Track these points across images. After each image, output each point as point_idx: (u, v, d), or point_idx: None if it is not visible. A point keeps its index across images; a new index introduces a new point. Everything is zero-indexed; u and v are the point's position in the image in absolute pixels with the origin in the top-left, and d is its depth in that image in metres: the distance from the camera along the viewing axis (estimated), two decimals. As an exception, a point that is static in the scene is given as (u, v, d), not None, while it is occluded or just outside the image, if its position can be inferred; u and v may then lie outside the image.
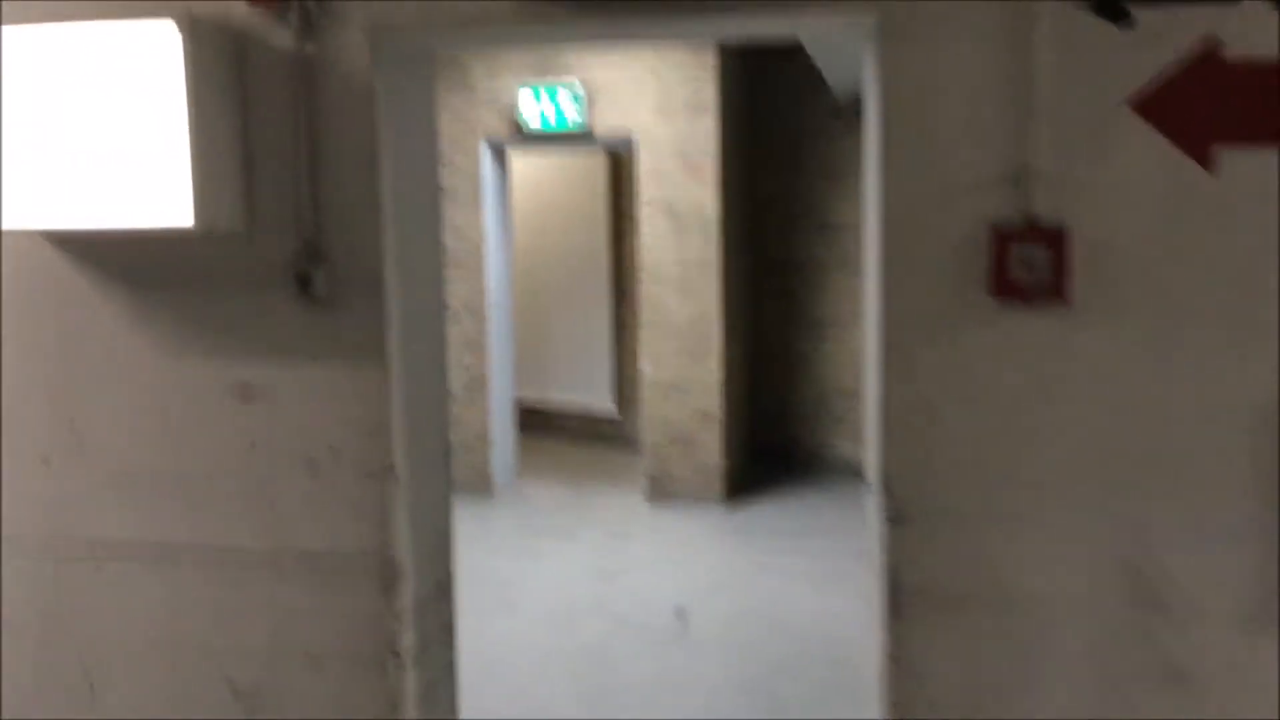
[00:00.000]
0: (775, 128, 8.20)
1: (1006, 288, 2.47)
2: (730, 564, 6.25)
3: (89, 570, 2.91)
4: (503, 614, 5.36)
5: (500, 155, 7.75)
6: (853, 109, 7.72)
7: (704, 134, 7.10)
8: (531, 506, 7.53)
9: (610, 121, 7.22)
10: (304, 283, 2.72)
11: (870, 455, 2.78)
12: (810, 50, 5.93)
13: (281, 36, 2.67)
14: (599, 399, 9.29)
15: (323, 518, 2.78)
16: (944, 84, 2.48)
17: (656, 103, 7.13)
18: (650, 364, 7.34)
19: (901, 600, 2.60)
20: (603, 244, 9.15)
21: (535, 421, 9.73)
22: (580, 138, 7.27)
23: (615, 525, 6.95)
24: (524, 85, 7.20)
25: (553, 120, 7.19)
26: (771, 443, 8.38)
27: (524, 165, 9.59)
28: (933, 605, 2.58)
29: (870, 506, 2.80)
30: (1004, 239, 2.46)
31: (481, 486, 7.62)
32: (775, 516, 7.08)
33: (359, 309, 2.74)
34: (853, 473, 8.01)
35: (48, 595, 2.94)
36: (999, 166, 2.47)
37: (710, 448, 7.32)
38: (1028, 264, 2.46)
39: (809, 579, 5.82)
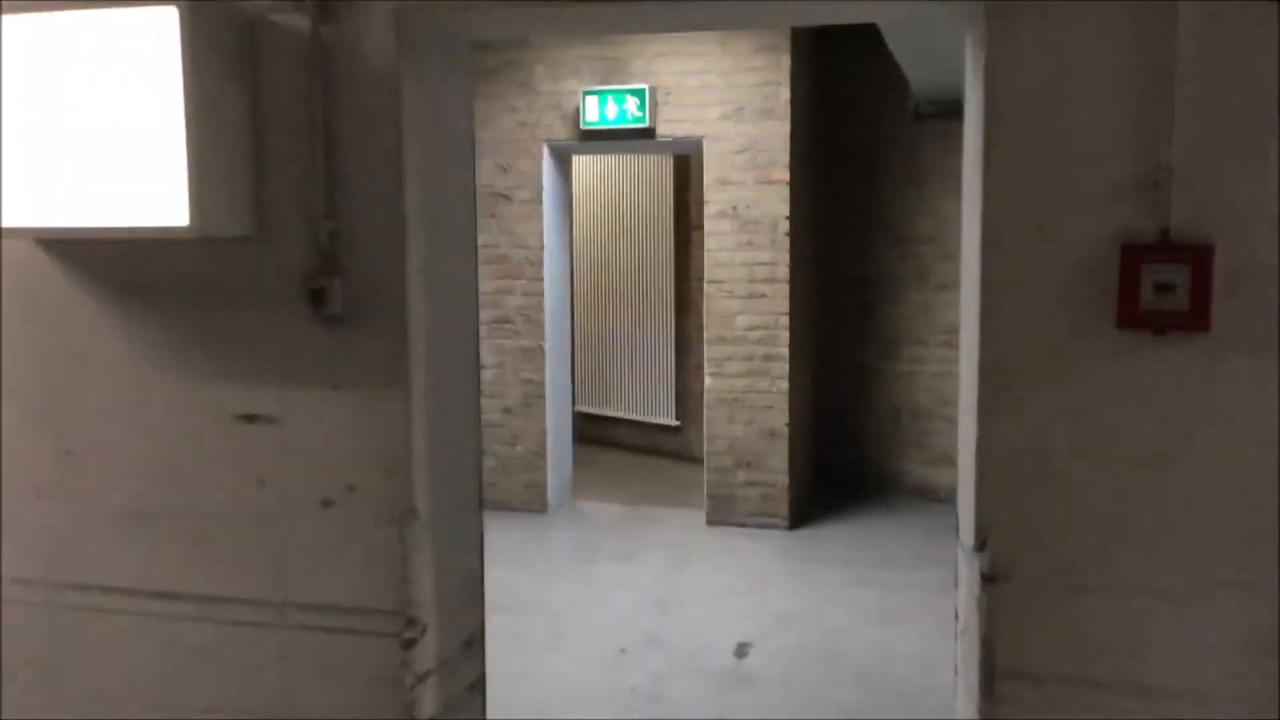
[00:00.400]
0: (851, 133, 7.78)
1: (1136, 315, 2.07)
2: (796, 595, 5.85)
3: (86, 619, 2.63)
4: (553, 649, 5.02)
5: (562, 160, 7.43)
6: (935, 113, 7.28)
7: (775, 138, 6.72)
8: (588, 526, 7.20)
9: (677, 124, 6.87)
10: (317, 298, 2.40)
11: (964, 505, 2.38)
12: (892, 46, 5.53)
13: (296, 18, 2.36)
14: (660, 412, 8.94)
15: (337, 566, 2.46)
16: (1065, 74, 2.08)
17: (725, 105, 6.77)
18: (714, 378, 6.96)
19: (995, 678, 2.20)
20: (667, 251, 8.80)
21: (594, 433, 9.41)
22: (644, 136, 6.93)
23: (675, 548, 6.58)
24: (590, 92, 6.88)
25: (614, 116, 6.86)
26: (840, 464, 7.95)
27: (586, 169, 9.29)
28: (1033, 689, 2.18)
29: (962, 564, 2.40)
30: (1135, 257, 2.06)
31: (536, 504, 7.31)
32: (843, 543, 6.66)
33: (380, 328, 2.41)
34: (924, 497, 7.55)
35: (42, 644, 2.66)
36: (1129, 172, 2.07)
37: (776, 468, 6.92)
38: (1162, 286, 2.05)
39: (879, 614, 5.40)
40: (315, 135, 2.38)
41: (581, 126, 6.95)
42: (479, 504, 2.73)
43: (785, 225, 6.75)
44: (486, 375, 7.32)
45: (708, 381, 6.99)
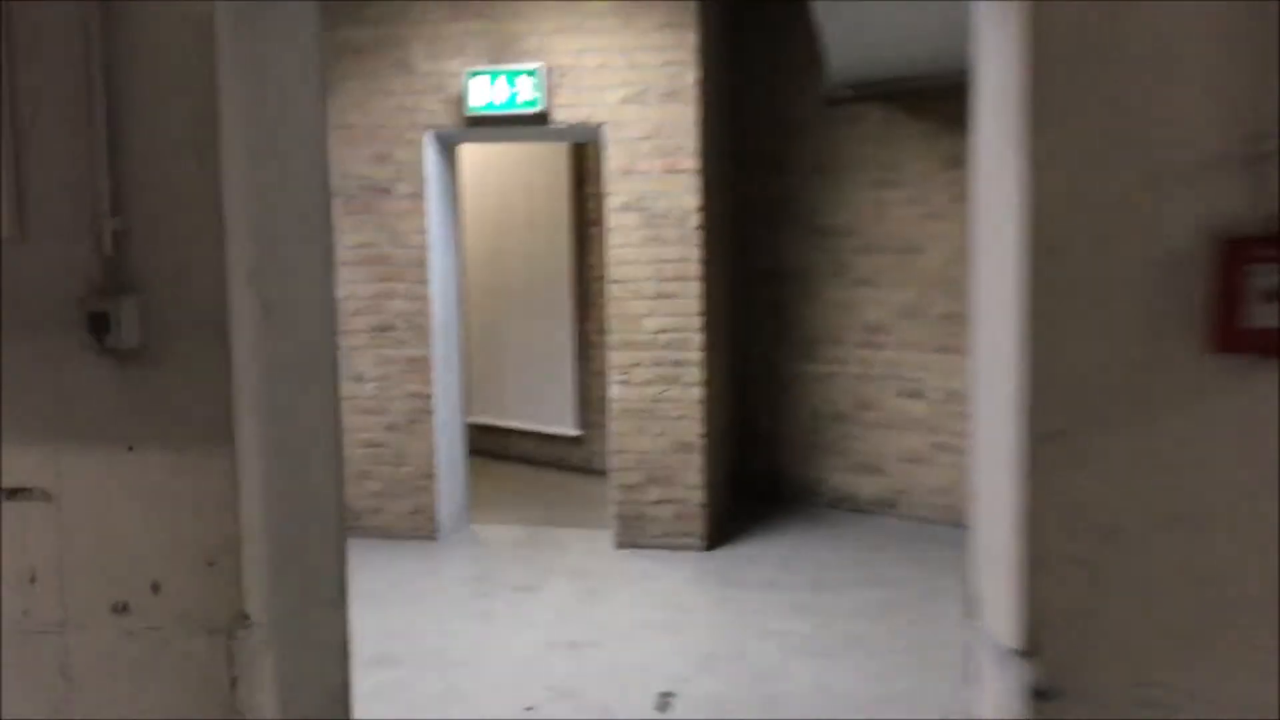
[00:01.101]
0: (760, 118, 7.25)
1: (1238, 334, 1.52)
2: (720, 629, 5.28)
3: None
4: (448, 708, 4.35)
5: (447, 149, 6.73)
6: (850, 96, 6.79)
7: (682, 123, 6.14)
8: (484, 553, 6.52)
9: (574, 109, 6.24)
10: (100, 324, 1.72)
11: (997, 590, 1.80)
12: (822, 14, 4.98)
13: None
14: (561, 422, 8.30)
15: (139, 693, 1.78)
16: (1144, 18, 1.51)
17: (628, 87, 6.16)
18: (620, 386, 6.36)
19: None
20: (565, 248, 8.16)
21: (490, 446, 8.73)
22: (537, 121, 6.28)
23: (583, 577, 5.96)
24: (476, 73, 6.20)
25: (504, 100, 6.20)
26: (756, 474, 7.43)
27: (475, 159, 8.60)
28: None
29: (991, 667, 1.82)
30: (1235, 256, 1.51)
31: (425, 529, 6.61)
32: (765, 563, 6.13)
33: (192, 365, 1.74)
34: (845, 507, 7.08)
35: None
36: (1223, 141, 1.51)
37: (690, 483, 6.35)
38: (1272, 295, 1.50)
39: (814, 648, 4.86)
40: (94, 102, 1.69)
41: (466, 111, 6.26)
42: (342, 593, 2.07)
43: (695, 218, 6.18)
44: (368, 390, 6.59)
45: (613, 390, 6.38)
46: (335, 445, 2.08)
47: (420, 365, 6.54)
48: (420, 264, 6.49)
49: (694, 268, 6.22)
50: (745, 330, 7.38)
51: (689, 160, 6.15)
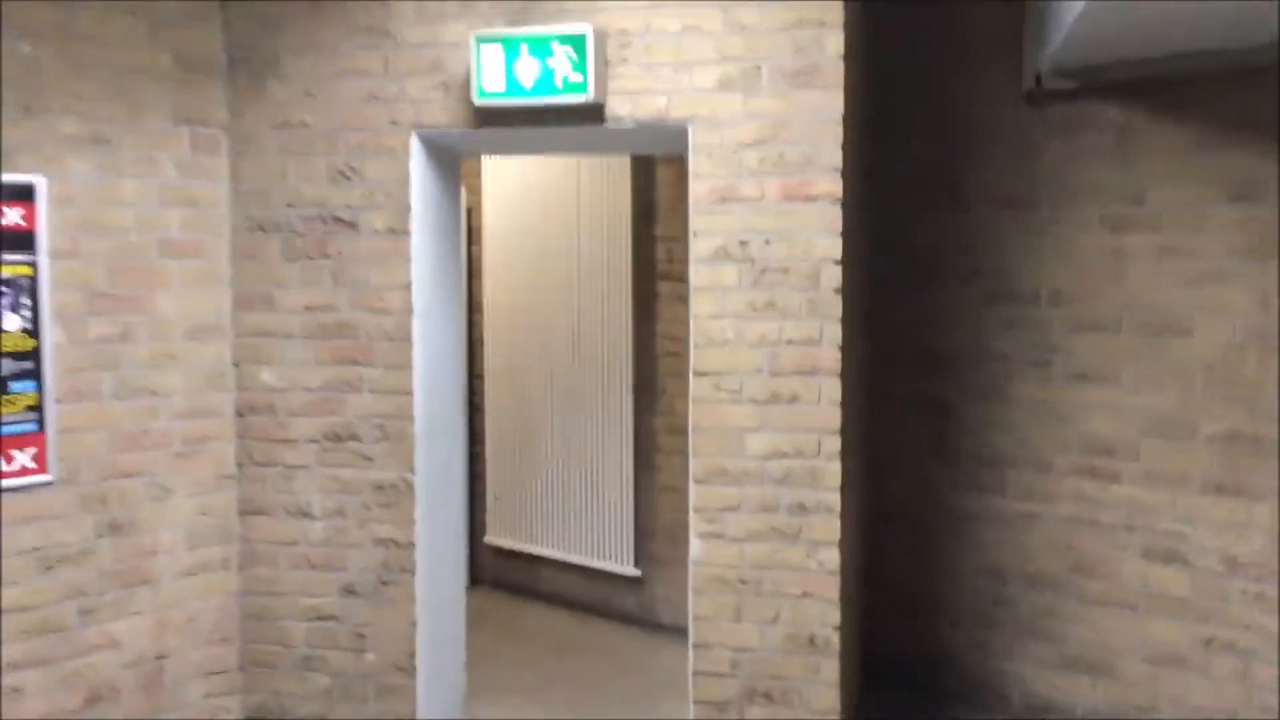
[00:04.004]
0: (925, 119, 4.86)
1: None
2: None
3: None
4: None
5: (446, 160, 4.44)
6: (1069, 90, 4.39)
7: (818, 121, 3.78)
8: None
9: (643, 98, 3.92)
10: None
11: None
12: None
13: None
14: (612, 555, 5.90)
15: None
16: None
17: (729, 64, 3.83)
18: (706, 540, 3.95)
19: None
20: (624, 313, 5.80)
21: (511, 578, 6.36)
22: (584, 117, 3.96)
23: None
24: (487, 39, 3.92)
25: (533, 83, 3.90)
26: (901, 660, 4.95)
27: (492, 178, 6.32)
28: None
29: None
30: None
31: (399, 750, 4.25)
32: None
33: None
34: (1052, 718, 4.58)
35: None
36: None
37: (818, 702, 3.91)
38: None
39: None
40: None
41: (476, 101, 3.97)
42: None
43: (834, 274, 3.80)
44: (316, 530, 4.27)
45: (695, 547, 3.98)
46: None
47: (396, 495, 4.21)
48: (400, 337, 4.17)
49: (829, 354, 3.83)
50: (885, 443, 4.95)
51: (826, 181, 3.78)
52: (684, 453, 5.53)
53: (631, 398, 5.75)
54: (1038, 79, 4.42)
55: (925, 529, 4.91)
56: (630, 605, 5.91)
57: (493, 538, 6.42)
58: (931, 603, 4.91)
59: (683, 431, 5.55)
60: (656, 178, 5.68)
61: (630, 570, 5.82)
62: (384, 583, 4.23)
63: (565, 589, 6.16)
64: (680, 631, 5.49)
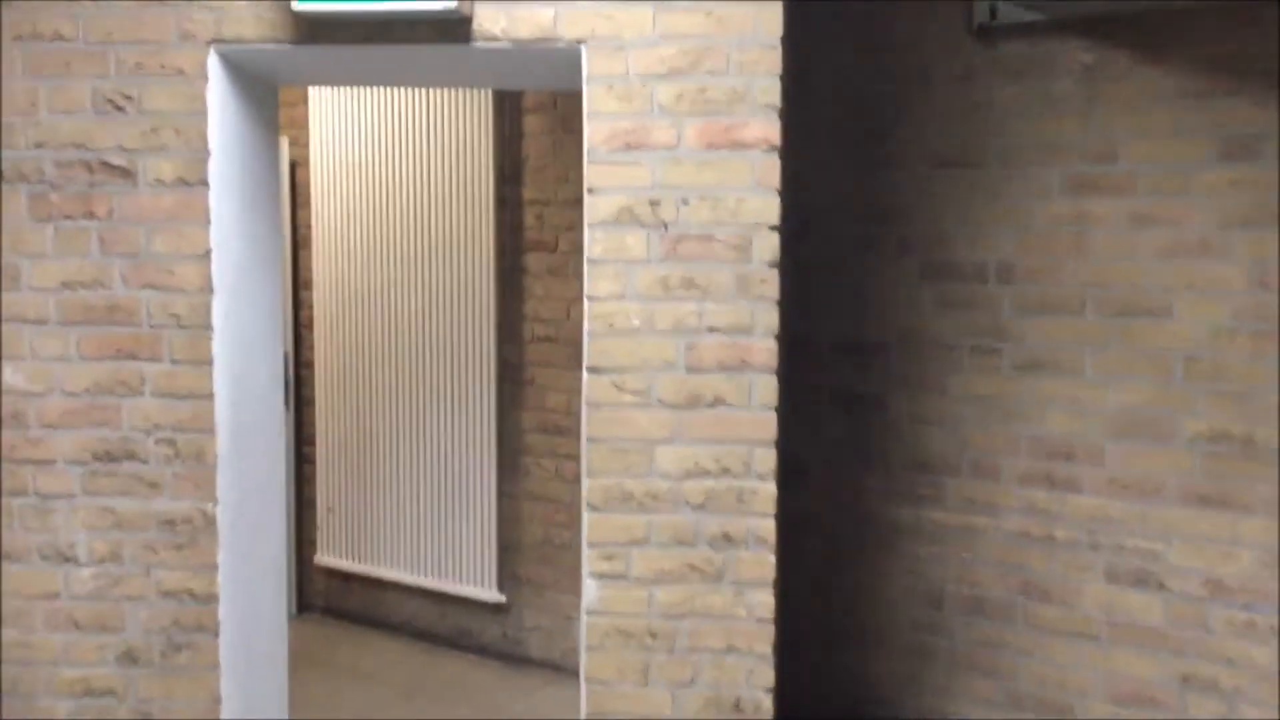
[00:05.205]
0: (853, 58, 4.09)
1: None
2: None
3: None
4: None
5: (257, 88, 3.41)
6: (1025, 19, 3.69)
7: (748, 41, 2.93)
8: None
9: (520, 9, 2.99)
10: None
11: None
12: None
13: None
14: (470, 577, 4.98)
15: None
16: None
17: (633, -33, 2.95)
18: (603, 582, 3.09)
19: None
20: (486, 289, 4.86)
21: (350, 605, 5.38)
22: (445, 34, 3.01)
23: None
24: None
25: (373, -21, 2.94)
26: (818, 699, 4.22)
27: (324, 113, 5.29)
28: None
29: None
30: None
31: None
32: None
33: None
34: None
35: None
36: None
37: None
38: None
39: None
40: None
41: (297, 5, 2.96)
42: None
43: (770, 243, 2.98)
44: (83, 580, 3.22)
45: (590, 591, 3.11)
46: None
47: (192, 532, 3.18)
48: (195, 324, 3.14)
49: (763, 345, 3.01)
50: (800, 444, 4.19)
51: (760, 124, 2.95)
52: (558, 454, 4.67)
53: (495, 390, 4.82)
54: (993, 10, 3.69)
55: (848, 545, 4.19)
56: (493, 636, 5.00)
57: (325, 558, 5.39)
58: (854, 632, 4.19)
59: (557, 431, 4.68)
60: (524, 127, 4.74)
61: (493, 595, 4.91)
62: (176, 646, 3.21)
63: (414, 617, 5.20)
64: (554, 668, 4.64)
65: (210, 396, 3.15)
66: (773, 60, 2.93)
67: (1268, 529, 3.42)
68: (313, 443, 5.43)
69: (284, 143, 5.31)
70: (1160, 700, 3.63)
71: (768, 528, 3.05)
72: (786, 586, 4.14)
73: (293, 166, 5.36)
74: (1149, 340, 3.59)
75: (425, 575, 5.08)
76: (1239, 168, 3.39)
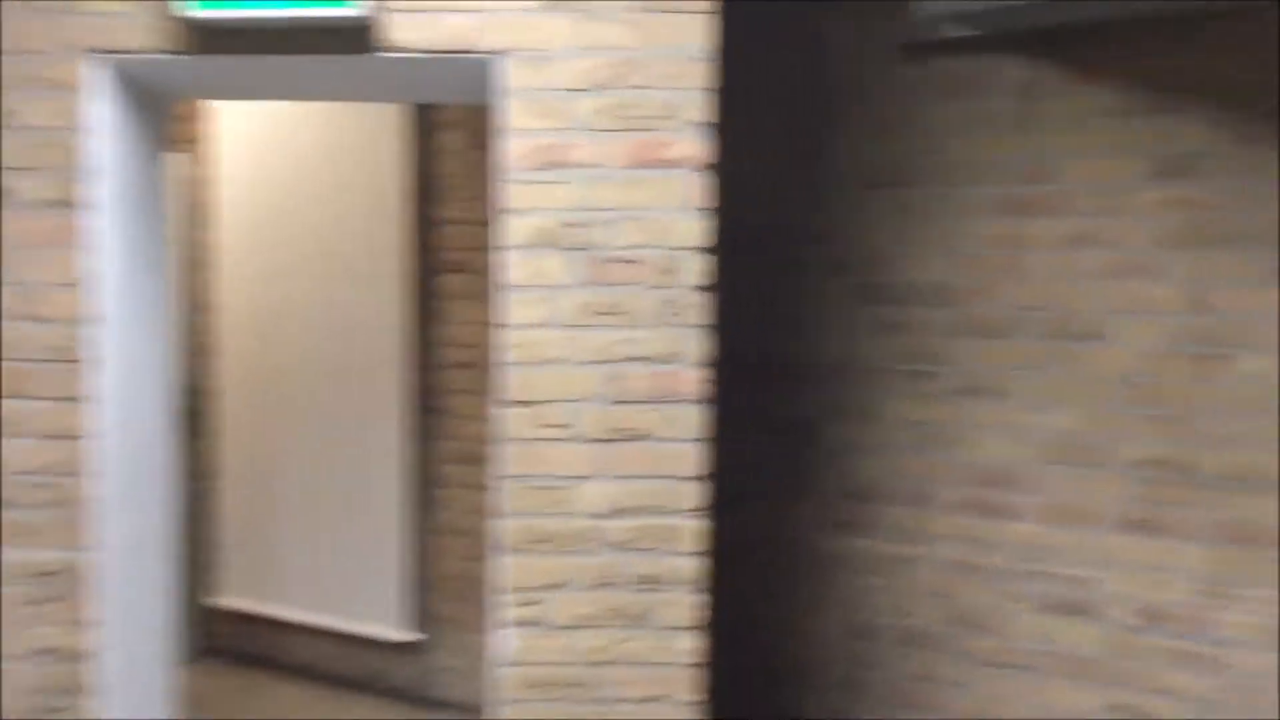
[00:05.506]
0: (782, 73, 3.95)
1: None
2: None
3: None
4: None
5: (146, 100, 3.16)
6: (957, 35, 3.60)
7: (679, 56, 2.77)
8: None
9: (435, 19, 2.79)
10: None
11: None
12: None
13: None
14: (381, 617, 4.72)
15: None
16: None
17: (552, -28, 2.78)
18: (524, 630, 2.88)
19: None
20: (398, 311, 4.62)
21: (255, 647, 5.08)
22: (351, 44, 2.79)
23: None
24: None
25: (266, -18, 2.71)
26: (756, 735, 4.07)
27: (229, 128, 5.02)
28: None
29: None
30: None
31: None
32: None
33: None
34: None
35: None
36: None
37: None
38: None
39: None
40: None
41: (189, 11, 2.72)
42: None
43: (698, 266, 2.81)
44: (-58, 637, 2.91)
45: (505, 641, 2.90)
46: None
47: (66, 584, 2.90)
48: (71, 356, 2.87)
49: (691, 375, 2.84)
50: (727, 472, 4.02)
51: (688, 142, 2.78)
52: (476, 486, 4.45)
53: (409, 419, 4.58)
54: (924, 24, 3.59)
55: (776, 575, 4.03)
56: (407, 678, 4.74)
57: (224, 598, 5.08)
58: (786, 668, 4.03)
59: (476, 461, 4.46)
60: (440, 144, 4.52)
61: (405, 634, 4.66)
62: (49, 711, 2.92)
63: (321, 660, 4.92)
64: (472, 709, 4.41)
65: (86, 437, 2.88)
66: (701, 74, 2.77)
67: (1205, 556, 3.35)
68: (216, 476, 5.12)
69: (186, 160, 5.01)
70: (1099, 734, 3.53)
71: (693, 567, 2.87)
72: (717, 622, 3.97)
73: (196, 184, 5.06)
74: (1086, 363, 3.50)
75: (333, 615, 4.81)
76: (1177, 186, 3.33)
